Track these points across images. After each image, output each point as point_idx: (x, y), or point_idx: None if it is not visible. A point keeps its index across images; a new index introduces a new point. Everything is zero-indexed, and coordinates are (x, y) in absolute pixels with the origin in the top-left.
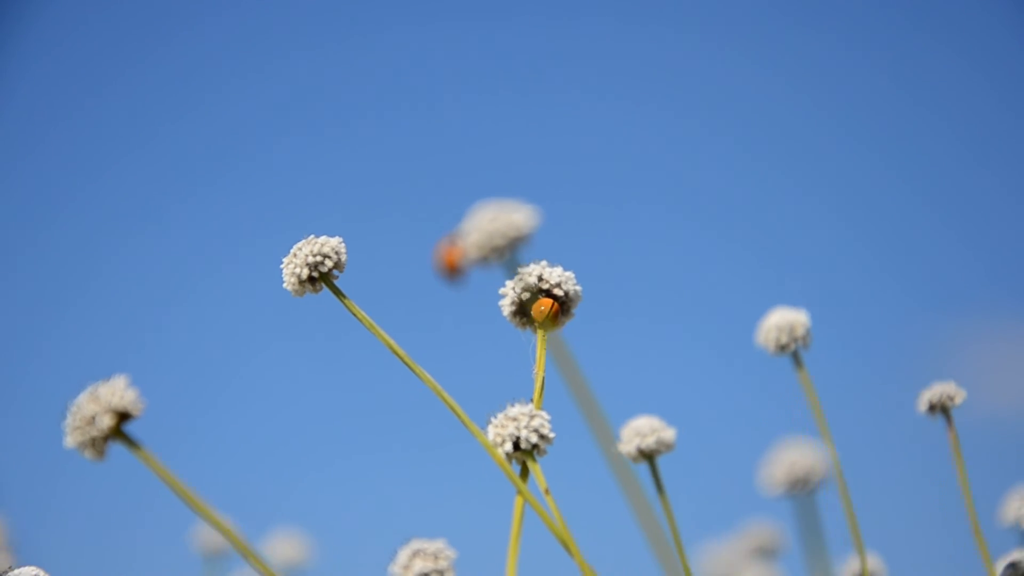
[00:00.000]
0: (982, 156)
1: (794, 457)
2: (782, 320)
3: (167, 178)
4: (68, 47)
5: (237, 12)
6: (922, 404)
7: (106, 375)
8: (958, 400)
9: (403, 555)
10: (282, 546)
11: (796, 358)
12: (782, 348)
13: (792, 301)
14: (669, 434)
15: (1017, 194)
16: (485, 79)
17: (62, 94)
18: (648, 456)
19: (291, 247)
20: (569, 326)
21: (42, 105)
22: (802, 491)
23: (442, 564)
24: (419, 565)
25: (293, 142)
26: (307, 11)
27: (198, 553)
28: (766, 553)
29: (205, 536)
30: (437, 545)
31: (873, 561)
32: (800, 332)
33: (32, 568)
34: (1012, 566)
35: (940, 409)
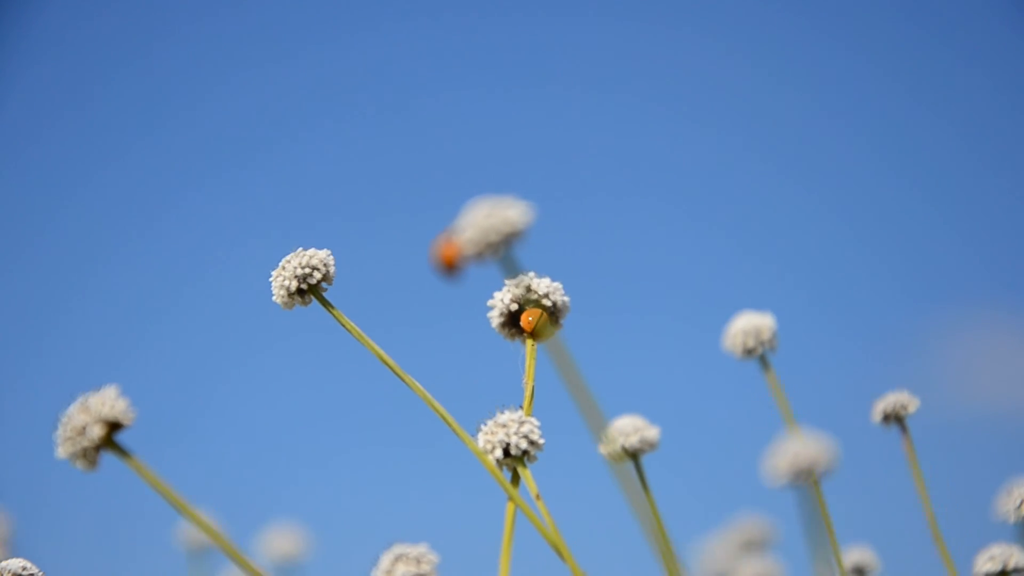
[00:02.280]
0: (967, 148)
1: (798, 448)
2: (748, 324)
3: (157, 185)
4: (63, 49)
5: (230, 15)
6: (876, 414)
7: (99, 380)
8: (911, 408)
9: (385, 560)
10: (277, 541)
11: (763, 361)
12: (749, 352)
13: (789, 295)
14: (652, 433)
15: (1004, 186)
16: (477, 77)
17: (53, 97)
18: (632, 455)
19: (281, 253)
20: (565, 320)
21: (33, 108)
22: (806, 481)
23: (425, 568)
24: (401, 570)
25: (283, 146)
26: (296, 13)
27: (182, 549)
28: (761, 546)
29: (190, 533)
30: (420, 549)
31: (866, 555)
32: (766, 336)
33: (19, 560)
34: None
35: (894, 418)
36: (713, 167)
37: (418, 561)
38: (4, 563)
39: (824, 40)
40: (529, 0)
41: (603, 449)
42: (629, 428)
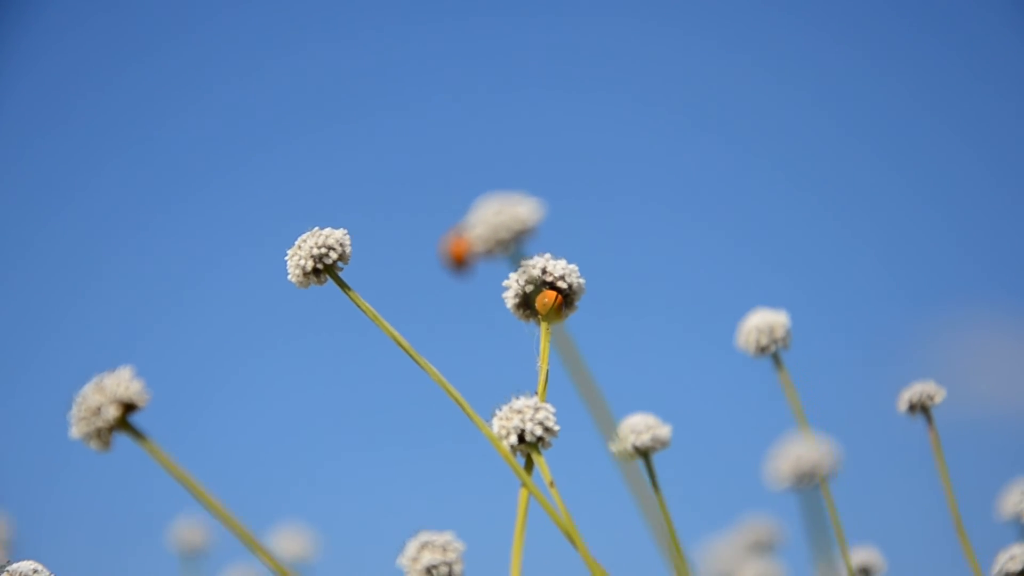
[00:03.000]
0: (966, 148)
1: (800, 451)
2: (762, 322)
3: (173, 172)
4: (69, 45)
5: (239, 9)
6: (902, 404)
7: (112, 366)
8: (938, 399)
9: (412, 547)
10: (287, 540)
11: (776, 359)
12: (762, 350)
13: (789, 294)
14: (664, 431)
15: (1004, 186)
16: (491, 74)
17: (65, 90)
18: (643, 453)
19: (296, 239)
20: (573, 318)
21: (46, 101)
22: (808, 485)
23: (450, 556)
24: (427, 557)
25: (298, 137)
26: (309, 8)
27: (176, 552)
28: (766, 548)
29: (184, 535)
30: (445, 537)
31: (871, 556)
32: (780, 333)
33: (30, 563)
34: None
35: (920, 408)
36: (715, 168)
37: (444, 549)
38: (15, 566)
39: (824, 41)
40: (540, 1)
41: (613, 447)
42: (641, 426)
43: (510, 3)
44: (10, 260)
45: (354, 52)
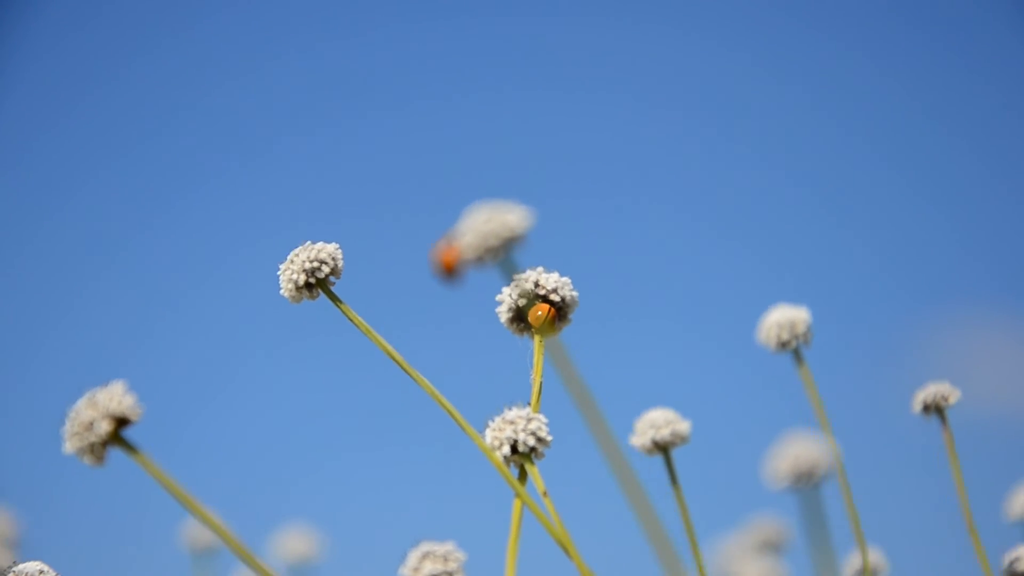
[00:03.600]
0: (969, 149)
1: (799, 450)
2: (783, 318)
3: (164, 181)
4: (69, 45)
5: (235, 12)
6: (916, 405)
7: (106, 378)
8: (952, 400)
9: (413, 557)
10: (291, 542)
11: (797, 355)
12: (783, 345)
13: (788, 296)
14: (684, 426)
15: (1002, 186)
16: (479, 79)
17: (61, 93)
18: (663, 448)
19: (288, 249)
20: (568, 326)
21: (41, 104)
22: (807, 484)
23: (452, 566)
24: (429, 567)
25: (288, 145)
26: (302, 11)
27: (187, 550)
28: (770, 548)
29: (195, 534)
30: (447, 547)
31: (875, 556)
32: (801, 329)
33: (37, 563)
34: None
35: (934, 409)
36: (715, 168)
37: (445, 559)
38: (21, 566)
39: (825, 41)
40: (534, 2)
41: (633, 441)
42: (660, 420)
43: (508, 3)
44: (7, 261)
45: (352, 52)
